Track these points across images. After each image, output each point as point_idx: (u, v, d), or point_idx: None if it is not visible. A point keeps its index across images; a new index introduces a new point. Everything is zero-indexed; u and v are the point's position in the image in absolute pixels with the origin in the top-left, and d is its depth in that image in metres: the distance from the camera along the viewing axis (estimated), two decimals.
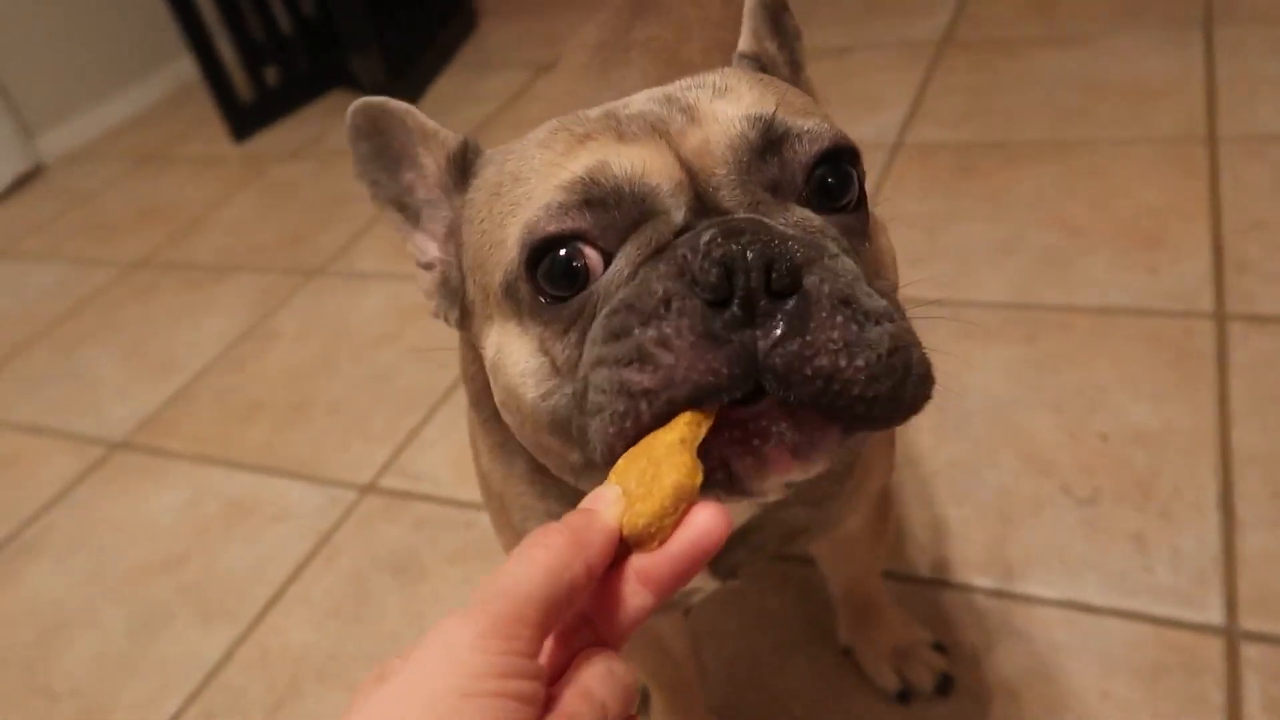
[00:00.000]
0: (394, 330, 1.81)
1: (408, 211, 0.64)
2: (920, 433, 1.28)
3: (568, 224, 0.50)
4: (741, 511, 0.65)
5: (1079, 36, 2.18)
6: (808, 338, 0.45)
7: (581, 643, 0.42)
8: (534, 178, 0.53)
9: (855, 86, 2.21)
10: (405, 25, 2.89)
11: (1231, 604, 1.00)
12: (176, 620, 1.32)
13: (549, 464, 0.58)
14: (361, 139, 0.62)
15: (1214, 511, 1.10)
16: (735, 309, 0.45)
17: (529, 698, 0.36)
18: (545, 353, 0.53)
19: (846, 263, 0.48)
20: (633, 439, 0.45)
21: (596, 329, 0.49)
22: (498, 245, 0.55)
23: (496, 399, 0.58)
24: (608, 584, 0.42)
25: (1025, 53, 2.17)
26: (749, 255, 0.45)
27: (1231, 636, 0.98)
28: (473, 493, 1.21)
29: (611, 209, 0.50)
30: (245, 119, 2.91)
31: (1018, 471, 1.21)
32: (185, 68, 3.38)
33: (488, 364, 0.58)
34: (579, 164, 0.51)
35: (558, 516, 0.68)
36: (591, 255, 0.50)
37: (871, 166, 1.89)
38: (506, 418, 0.58)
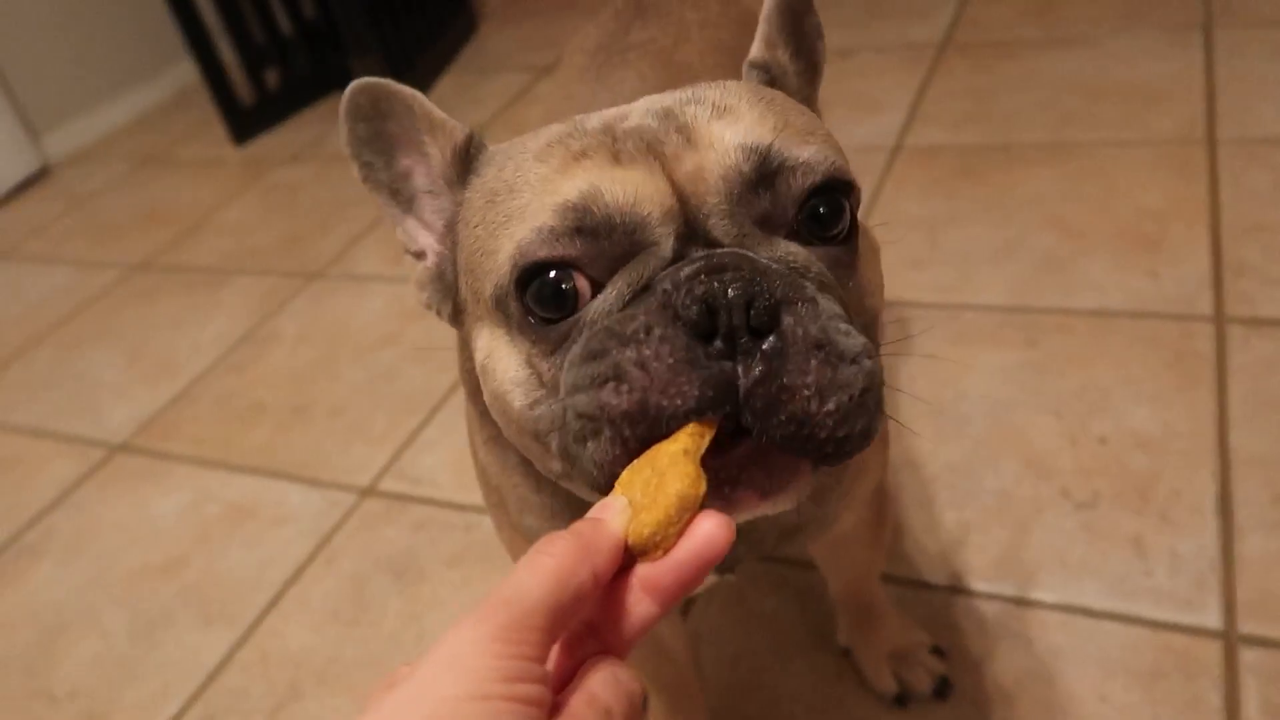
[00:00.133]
0: (394, 333, 1.82)
1: (399, 197, 0.63)
2: (920, 436, 1.28)
3: (558, 250, 0.51)
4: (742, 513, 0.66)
5: (1079, 39, 2.18)
6: (784, 380, 0.46)
7: (587, 651, 0.42)
8: (528, 192, 0.53)
9: (855, 89, 2.21)
10: (406, 28, 2.90)
11: (1230, 608, 1.00)
12: (177, 623, 1.32)
13: (534, 463, 0.59)
14: (360, 119, 0.61)
15: (1213, 515, 1.10)
16: (718, 344, 0.46)
17: (536, 702, 0.37)
18: (532, 367, 0.53)
19: (825, 302, 0.49)
20: (625, 463, 0.47)
21: (575, 353, 0.50)
22: (490, 254, 0.55)
23: (485, 399, 0.59)
24: (613, 593, 0.43)
25: (1025, 55, 2.17)
26: (730, 293, 0.46)
27: (1230, 640, 0.98)
28: (472, 495, 1.21)
29: (602, 239, 0.50)
30: (246, 122, 2.92)
31: (1017, 475, 1.21)
32: (188, 70, 3.38)
33: (478, 365, 0.59)
34: (573, 186, 0.51)
35: (553, 509, 0.69)
36: (581, 281, 0.51)
37: (871, 169, 1.89)
38: (495, 417, 0.59)
